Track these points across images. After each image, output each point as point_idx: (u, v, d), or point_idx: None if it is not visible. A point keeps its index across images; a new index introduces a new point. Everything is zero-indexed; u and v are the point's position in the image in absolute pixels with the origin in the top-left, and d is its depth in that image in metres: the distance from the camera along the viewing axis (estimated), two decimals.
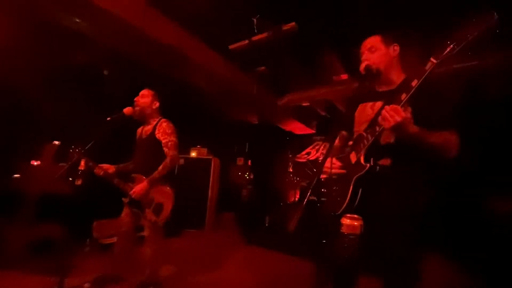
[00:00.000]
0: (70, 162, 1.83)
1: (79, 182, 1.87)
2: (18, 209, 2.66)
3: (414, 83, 1.08)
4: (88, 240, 2.93)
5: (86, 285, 2.03)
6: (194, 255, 3.22)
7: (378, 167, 1.24)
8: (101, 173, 2.11)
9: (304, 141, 6.51)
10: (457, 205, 3.22)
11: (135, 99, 2.23)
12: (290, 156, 6.02)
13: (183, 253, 3.25)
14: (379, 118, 1.12)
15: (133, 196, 2.07)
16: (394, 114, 1.06)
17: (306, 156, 6.40)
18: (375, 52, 1.33)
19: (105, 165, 2.16)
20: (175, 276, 2.49)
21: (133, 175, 2.20)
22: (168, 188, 2.15)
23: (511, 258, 2.61)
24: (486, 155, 3.17)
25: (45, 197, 2.75)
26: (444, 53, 1.04)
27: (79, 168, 1.91)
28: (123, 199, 2.22)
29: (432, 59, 1.06)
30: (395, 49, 1.34)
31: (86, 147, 1.87)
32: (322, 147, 6.23)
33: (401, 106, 1.08)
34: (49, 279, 1.82)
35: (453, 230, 3.12)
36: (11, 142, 2.81)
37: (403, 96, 1.10)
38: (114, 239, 2.34)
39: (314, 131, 6.27)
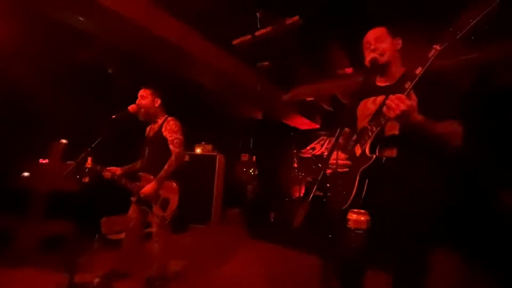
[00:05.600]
0: (77, 160, 1.85)
1: (86, 180, 1.90)
2: (28, 207, 2.71)
3: (418, 70, 1.06)
4: (96, 236, 2.98)
5: (96, 280, 2.07)
6: (201, 250, 3.25)
7: (384, 159, 1.23)
8: (109, 176, 2.16)
9: (309, 136, 6.47)
10: (468, 198, 3.17)
11: (136, 102, 2.23)
12: (295, 151, 6.00)
13: (190, 248, 3.29)
14: (384, 108, 1.10)
15: (142, 197, 2.10)
16: (399, 103, 1.04)
17: (311, 151, 6.37)
18: (383, 42, 1.30)
19: (112, 168, 2.20)
20: (183, 271, 2.52)
21: (139, 173, 2.23)
22: (173, 183, 2.17)
23: None
24: (498, 146, 3.11)
25: (54, 195, 2.79)
26: (447, 39, 1.02)
27: (86, 166, 1.93)
28: (131, 198, 2.25)
29: (435, 46, 1.04)
30: (398, 42, 1.33)
31: (93, 145, 1.88)
32: (327, 142, 6.19)
33: (406, 95, 1.07)
34: (59, 275, 1.86)
35: (463, 224, 3.08)
36: (20, 141, 2.85)
37: (407, 84, 1.08)
38: (122, 235, 2.38)
39: (319, 126, 6.24)
